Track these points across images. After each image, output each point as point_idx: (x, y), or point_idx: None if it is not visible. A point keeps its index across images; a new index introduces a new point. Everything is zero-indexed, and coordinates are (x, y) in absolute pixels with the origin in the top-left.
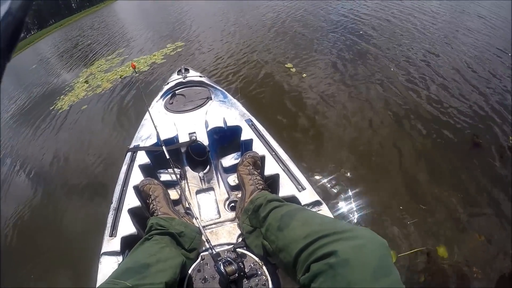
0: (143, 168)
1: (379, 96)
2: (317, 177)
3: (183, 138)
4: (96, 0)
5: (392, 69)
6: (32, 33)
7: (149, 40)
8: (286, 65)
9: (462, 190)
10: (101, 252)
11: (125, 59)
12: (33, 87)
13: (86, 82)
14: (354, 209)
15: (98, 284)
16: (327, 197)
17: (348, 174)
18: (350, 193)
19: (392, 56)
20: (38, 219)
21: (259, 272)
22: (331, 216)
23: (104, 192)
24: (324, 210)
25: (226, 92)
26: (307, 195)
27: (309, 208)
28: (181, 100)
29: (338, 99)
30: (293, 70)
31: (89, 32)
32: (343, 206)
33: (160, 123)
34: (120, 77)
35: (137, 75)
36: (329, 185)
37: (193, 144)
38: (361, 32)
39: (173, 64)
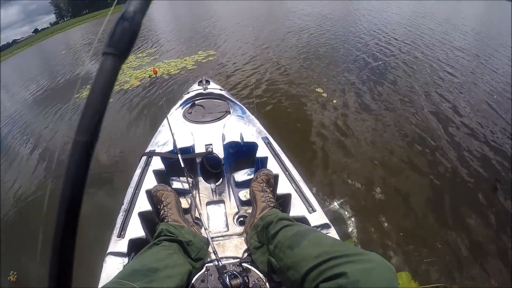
0: (157, 173)
1: (403, 133)
2: (328, 201)
3: (199, 149)
4: None
5: (419, 106)
6: (65, 19)
7: (181, 44)
8: (317, 89)
9: (481, 234)
10: (107, 252)
11: (155, 59)
12: (59, 72)
13: None
14: (366, 238)
15: (101, 282)
16: (336, 221)
17: (363, 203)
18: (361, 221)
19: (421, 93)
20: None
21: None
22: (340, 239)
23: (110, 187)
24: (332, 233)
25: (244, 108)
26: (317, 217)
27: (318, 230)
28: (200, 111)
29: (361, 129)
30: (324, 95)
31: None
32: (352, 233)
33: (178, 131)
34: (149, 77)
35: (158, 80)
36: (339, 211)
37: (209, 156)
38: (393, 68)
39: (202, 71)
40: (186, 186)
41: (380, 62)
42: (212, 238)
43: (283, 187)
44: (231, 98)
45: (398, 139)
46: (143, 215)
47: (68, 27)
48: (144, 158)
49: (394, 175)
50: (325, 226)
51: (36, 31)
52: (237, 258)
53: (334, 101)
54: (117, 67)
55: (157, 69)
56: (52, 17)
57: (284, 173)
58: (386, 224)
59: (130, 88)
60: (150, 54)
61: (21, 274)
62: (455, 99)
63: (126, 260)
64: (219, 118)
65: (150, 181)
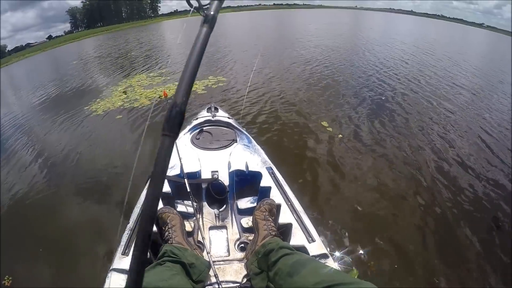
0: (163, 196)
1: (409, 174)
2: (327, 232)
3: (206, 175)
4: (144, 16)
5: (426, 146)
6: (79, 30)
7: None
8: (322, 123)
9: (480, 270)
10: (111, 268)
11: (166, 80)
12: (69, 81)
13: (125, 92)
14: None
15: None
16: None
17: (360, 238)
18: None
19: (428, 132)
20: (39, 203)
21: None
22: (338, 269)
23: (113, 204)
24: (330, 263)
25: (251, 137)
26: (316, 247)
27: (317, 260)
28: (208, 137)
29: (365, 166)
30: (330, 129)
31: (134, 43)
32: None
33: (185, 156)
34: (160, 98)
35: (168, 102)
36: (338, 245)
37: (214, 182)
38: (400, 105)
39: (212, 97)
40: (190, 209)
41: (384, 97)
42: (213, 262)
43: (285, 216)
44: (239, 127)
45: (400, 177)
46: None
47: (81, 38)
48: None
49: (395, 213)
50: (323, 256)
51: (50, 37)
52: (236, 282)
53: (340, 135)
54: (172, 144)
55: (167, 92)
56: (67, 26)
57: (286, 203)
58: (383, 260)
59: (140, 107)
60: (161, 74)
61: (17, 279)
62: (454, 135)
63: None
64: (226, 146)
65: None
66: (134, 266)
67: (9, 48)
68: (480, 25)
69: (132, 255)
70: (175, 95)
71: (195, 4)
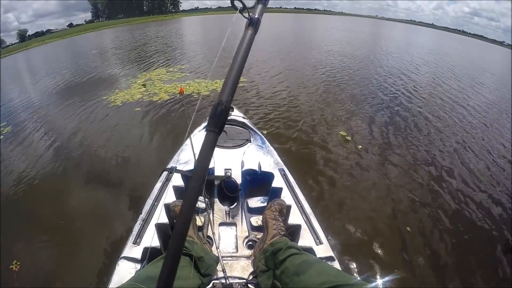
0: (177, 189)
1: (426, 188)
2: (333, 237)
3: (219, 172)
4: (165, 11)
5: (445, 161)
6: (100, 20)
7: (212, 65)
8: (340, 133)
9: None
10: (122, 256)
11: (186, 76)
12: (88, 70)
13: (144, 85)
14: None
15: (112, 284)
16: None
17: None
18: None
19: (447, 148)
20: (49, 187)
21: None
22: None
23: (126, 194)
24: (336, 266)
25: (264, 138)
26: (323, 249)
27: (324, 261)
28: (223, 136)
29: (375, 174)
30: (349, 138)
31: (154, 38)
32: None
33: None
34: (179, 94)
35: (185, 99)
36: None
37: (227, 180)
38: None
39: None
40: (202, 205)
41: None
42: (221, 257)
43: (294, 218)
44: (253, 127)
45: (416, 191)
46: (159, 227)
47: (102, 28)
48: (165, 173)
49: (403, 227)
50: (329, 258)
51: (71, 25)
52: (243, 279)
53: (360, 146)
54: (215, 139)
55: (184, 89)
56: (88, 15)
57: (297, 205)
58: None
59: (159, 101)
60: (182, 70)
61: (25, 264)
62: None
63: (138, 266)
64: (240, 145)
65: (169, 196)
66: (172, 251)
67: (30, 32)
68: (501, 43)
69: (171, 240)
70: (221, 94)
71: (239, 5)
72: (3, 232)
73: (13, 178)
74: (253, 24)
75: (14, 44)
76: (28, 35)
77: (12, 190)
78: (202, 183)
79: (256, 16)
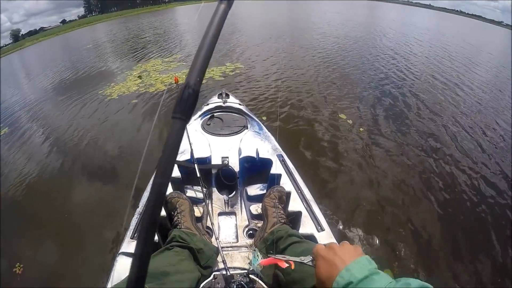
0: (173, 181)
1: (423, 168)
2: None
3: (216, 160)
4: (158, 1)
5: (448, 146)
6: (93, 14)
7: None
8: (340, 115)
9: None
10: (120, 251)
11: (181, 65)
12: (83, 65)
13: (140, 77)
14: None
15: (111, 280)
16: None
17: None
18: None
19: (452, 132)
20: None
21: None
22: None
23: (120, 187)
24: None
25: (261, 124)
26: (325, 236)
27: None
28: (218, 123)
29: (378, 159)
30: (350, 122)
31: (147, 29)
32: None
33: (196, 141)
34: (176, 83)
35: (179, 88)
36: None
37: (224, 168)
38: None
39: (229, 83)
40: (200, 195)
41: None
42: (221, 247)
43: (295, 204)
44: (249, 113)
45: (416, 175)
46: None
47: (95, 22)
48: None
49: (405, 211)
50: None
51: (64, 21)
52: (244, 269)
53: (361, 129)
54: (183, 128)
55: (178, 78)
56: (80, 10)
57: (296, 191)
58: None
59: (155, 92)
60: (177, 59)
61: (28, 267)
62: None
63: None
64: (237, 132)
65: None
66: (138, 252)
67: (23, 32)
68: (500, 23)
69: (137, 241)
70: (188, 76)
71: None
72: (3, 233)
73: (13, 178)
74: None
75: (8, 45)
76: (22, 34)
77: (12, 190)
78: (168, 180)
79: None
